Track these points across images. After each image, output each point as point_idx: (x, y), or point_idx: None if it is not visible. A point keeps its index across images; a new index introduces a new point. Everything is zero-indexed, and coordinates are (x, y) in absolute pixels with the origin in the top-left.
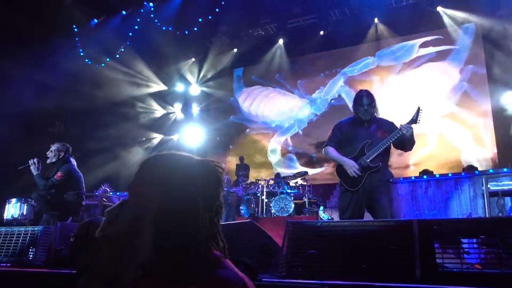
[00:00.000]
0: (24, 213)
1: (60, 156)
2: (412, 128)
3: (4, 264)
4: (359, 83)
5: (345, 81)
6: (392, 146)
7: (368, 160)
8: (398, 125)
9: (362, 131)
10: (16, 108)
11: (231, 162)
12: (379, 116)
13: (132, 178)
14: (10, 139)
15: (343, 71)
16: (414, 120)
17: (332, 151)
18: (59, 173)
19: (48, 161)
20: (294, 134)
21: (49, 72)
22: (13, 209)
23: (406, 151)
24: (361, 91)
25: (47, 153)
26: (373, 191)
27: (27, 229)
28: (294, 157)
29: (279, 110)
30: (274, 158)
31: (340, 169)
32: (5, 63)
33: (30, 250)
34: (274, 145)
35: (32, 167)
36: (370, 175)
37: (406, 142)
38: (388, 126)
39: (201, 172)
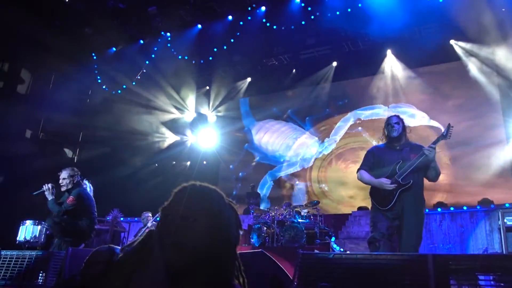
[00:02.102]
0: (37, 235)
1: (74, 182)
2: (434, 150)
3: None
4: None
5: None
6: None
7: (399, 179)
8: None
9: (394, 154)
10: (33, 127)
11: (241, 189)
12: (410, 141)
13: (177, 203)
14: (25, 159)
15: (355, 111)
16: (444, 136)
17: (365, 174)
18: (70, 198)
19: (63, 188)
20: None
21: (67, 96)
22: (27, 231)
23: (430, 179)
24: (389, 116)
25: (60, 181)
26: (404, 213)
27: (38, 253)
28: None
29: (288, 145)
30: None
31: (372, 191)
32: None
33: (40, 274)
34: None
35: (46, 193)
36: (402, 193)
37: (430, 166)
38: (419, 148)
39: (230, 210)
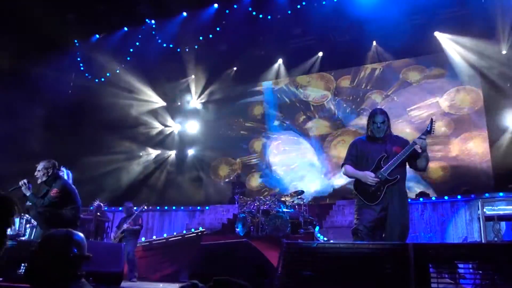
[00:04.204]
0: (17, 228)
1: (49, 174)
2: (425, 140)
3: None
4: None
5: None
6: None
7: (385, 174)
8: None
9: (377, 147)
10: (14, 114)
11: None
12: (393, 134)
13: None
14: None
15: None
16: (429, 131)
17: (349, 168)
18: (54, 190)
19: (39, 181)
20: None
21: (49, 84)
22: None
23: (420, 169)
24: (375, 109)
25: (35, 173)
26: (392, 207)
27: (14, 244)
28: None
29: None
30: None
31: (357, 185)
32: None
33: (22, 265)
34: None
35: (23, 188)
36: (389, 188)
37: (421, 156)
38: (403, 141)
39: None
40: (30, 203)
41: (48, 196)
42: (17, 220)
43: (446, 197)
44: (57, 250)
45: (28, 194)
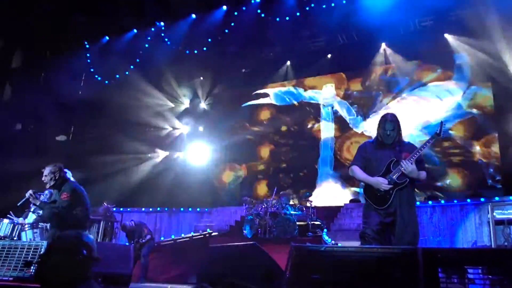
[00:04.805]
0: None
1: (56, 177)
2: (411, 166)
3: (6, 278)
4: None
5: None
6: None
7: (394, 177)
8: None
9: (386, 152)
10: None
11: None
12: (403, 140)
13: None
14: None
15: None
16: (438, 134)
17: (358, 170)
18: (64, 194)
19: (47, 186)
20: None
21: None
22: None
23: (421, 179)
24: (385, 115)
25: (42, 178)
26: (400, 213)
27: (31, 243)
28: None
29: None
30: None
31: (367, 189)
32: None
33: (33, 265)
34: None
35: (31, 199)
36: (397, 192)
37: (420, 166)
38: (411, 147)
39: None
40: (43, 211)
41: (59, 201)
42: (4, 223)
43: (455, 201)
44: (67, 252)
45: (38, 203)
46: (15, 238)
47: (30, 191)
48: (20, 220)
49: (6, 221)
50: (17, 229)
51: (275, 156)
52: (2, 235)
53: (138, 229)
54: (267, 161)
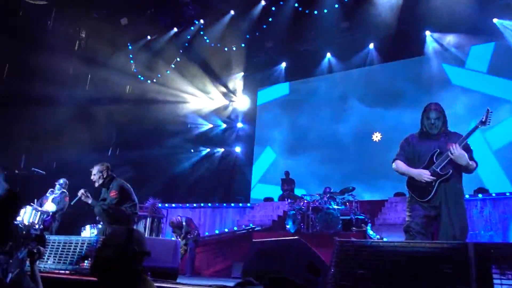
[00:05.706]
0: (29, 220)
1: (104, 176)
2: (459, 151)
3: (63, 271)
4: None
5: None
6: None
7: (437, 169)
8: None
9: (430, 144)
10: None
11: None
12: (449, 130)
13: None
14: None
15: None
16: (483, 122)
17: (400, 164)
18: (113, 192)
19: (96, 185)
20: None
21: (108, 85)
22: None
23: (468, 170)
24: (429, 104)
25: (91, 177)
26: (443, 203)
27: (84, 239)
28: None
29: None
30: None
31: (410, 181)
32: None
33: (87, 260)
34: None
35: (83, 198)
36: (442, 184)
37: (468, 156)
38: (458, 137)
39: None
40: (95, 209)
41: (109, 198)
42: (29, 212)
43: (507, 193)
44: (119, 247)
45: (89, 201)
46: (40, 227)
47: (82, 190)
48: (44, 207)
49: (29, 208)
50: (40, 217)
51: None
52: (28, 222)
53: (185, 225)
54: None
